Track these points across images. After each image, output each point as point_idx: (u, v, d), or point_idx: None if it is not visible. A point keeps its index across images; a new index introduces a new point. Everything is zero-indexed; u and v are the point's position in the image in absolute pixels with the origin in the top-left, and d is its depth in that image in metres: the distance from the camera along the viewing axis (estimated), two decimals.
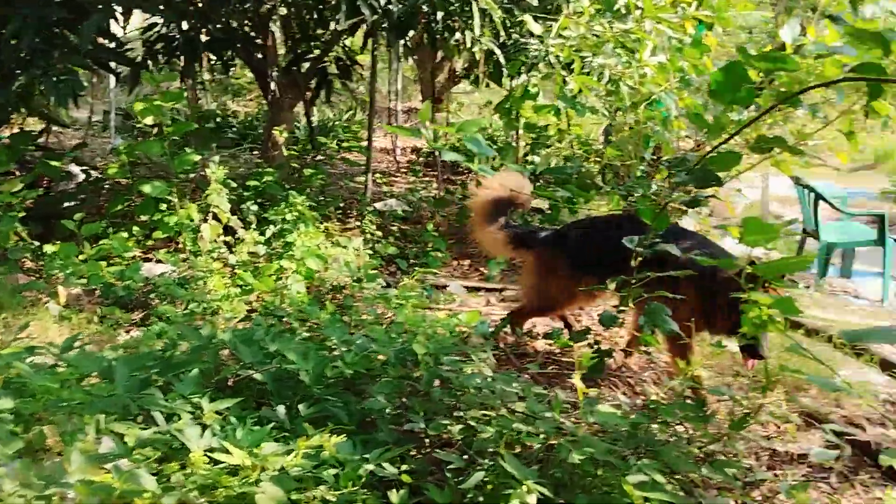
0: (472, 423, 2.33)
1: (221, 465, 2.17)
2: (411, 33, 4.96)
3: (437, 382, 2.79)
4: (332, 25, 5.15)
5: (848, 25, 2.73)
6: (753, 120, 2.88)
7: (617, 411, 2.41)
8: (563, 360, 4.10)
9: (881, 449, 3.45)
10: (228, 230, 4.93)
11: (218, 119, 9.19)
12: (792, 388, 4.11)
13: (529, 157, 6.26)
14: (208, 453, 2.22)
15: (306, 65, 6.49)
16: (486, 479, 2.11)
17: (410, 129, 2.82)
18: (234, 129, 10.63)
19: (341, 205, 6.39)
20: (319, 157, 7.78)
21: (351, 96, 8.70)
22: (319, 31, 5.65)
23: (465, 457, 2.29)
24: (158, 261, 4.83)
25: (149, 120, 4.61)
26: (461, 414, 2.49)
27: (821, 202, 6.51)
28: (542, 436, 2.26)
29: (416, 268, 5.69)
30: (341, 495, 2.10)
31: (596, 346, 3.79)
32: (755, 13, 10.97)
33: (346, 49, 5.60)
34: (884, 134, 15.09)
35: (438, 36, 4.91)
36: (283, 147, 5.98)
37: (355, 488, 2.17)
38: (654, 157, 5.86)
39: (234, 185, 5.61)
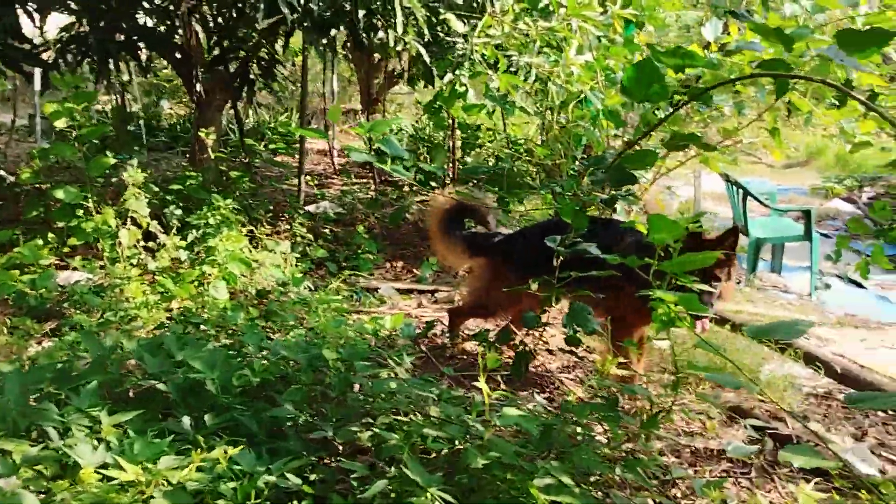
0: (379, 430, 2.26)
1: (114, 482, 2.07)
2: (333, 32, 4.88)
3: (357, 388, 2.73)
4: (256, 25, 5.02)
5: (752, 22, 2.74)
6: (666, 118, 2.87)
7: (525, 413, 2.36)
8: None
9: (801, 442, 3.49)
10: (149, 236, 4.78)
11: (141, 121, 8.93)
12: (716, 383, 4.13)
13: (460, 157, 6.22)
14: (101, 469, 2.12)
15: (235, 65, 6.36)
16: (389, 487, 2.05)
17: (317, 131, 2.74)
18: (164, 131, 10.41)
19: (271, 208, 6.26)
20: (255, 161, 7.65)
21: (278, 98, 8.53)
22: (244, 31, 5.52)
23: (373, 465, 2.23)
24: (75, 268, 4.66)
25: (61, 123, 4.44)
26: (371, 420, 2.43)
27: (749, 199, 6.60)
28: (449, 441, 2.20)
29: (346, 270, 5.62)
30: None
31: (520, 348, 3.77)
32: (691, 13, 11.14)
33: (269, 49, 5.48)
34: (816, 131, 15.49)
35: (363, 35, 4.82)
36: (209, 150, 5.83)
37: (257, 500, 2.10)
38: (585, 156, 5.87)
39: (156, 189, 5.47)
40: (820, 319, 5.81)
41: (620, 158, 2.99)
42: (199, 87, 6.27)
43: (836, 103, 5.64)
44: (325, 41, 4.99)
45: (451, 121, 6.92)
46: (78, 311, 4.10)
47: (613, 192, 3.20)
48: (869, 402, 1.94)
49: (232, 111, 7.31)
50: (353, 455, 2.52)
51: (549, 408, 2.88)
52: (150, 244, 4.76)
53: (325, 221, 6.58)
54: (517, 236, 4.35)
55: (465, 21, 4.87)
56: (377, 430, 2.26)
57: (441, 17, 4.73)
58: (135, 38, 5.15)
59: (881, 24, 4.23)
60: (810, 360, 4.32)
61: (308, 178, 9.05)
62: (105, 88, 6.79)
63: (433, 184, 6.34)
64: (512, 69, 5.16)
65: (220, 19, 5.32)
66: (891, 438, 3.75)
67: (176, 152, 9.97)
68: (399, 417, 2.46)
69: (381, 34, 4.80)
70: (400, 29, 4.51)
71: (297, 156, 9.43)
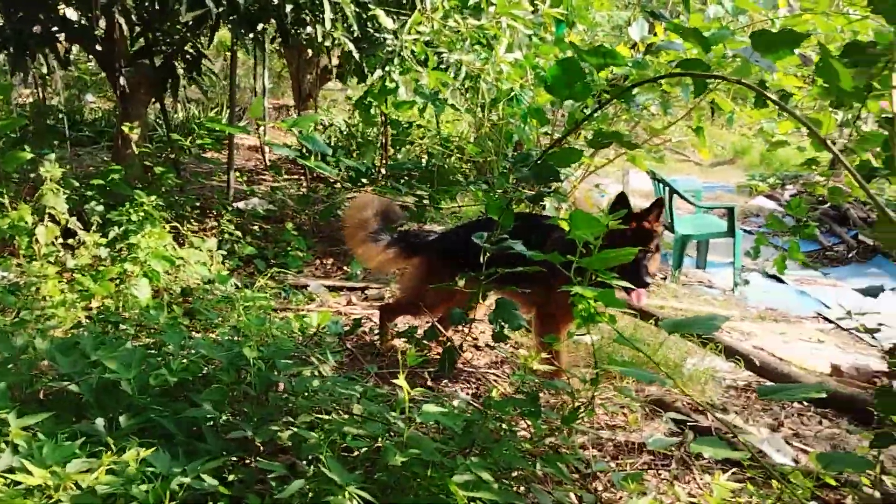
0: (299, 429, 2.23)
1: (20, 486, 2.01)
2: (260, 27, 4.80)
3: (280, 386, 2.69)
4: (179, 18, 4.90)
5: (671, 23, 2.79)
6: (589, 116, 2.90)
7: (447, 409, 2.36)
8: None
9: (720, 434, 3.57)
10: (69, 233, 4.64)
11: (63, 115, 8.66)
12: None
13: (391, 154, 6.19)
14: (8, 474, 2.05)
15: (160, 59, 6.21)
16: (307, 486, 2.02)
17: (241, 128, 2.70)
18: (88, 125, 10.13)
19: (198, 204, 6.15)
20: (183, 157, 7.48)
21: (206, 93, 8.37)
22: (168, 25, 5.39)
23: (293, 464, 2.20)
24: None
25: None
26: (291, 419, 2.40)
27: (676, 196, 6.73)
28: (368, 439, 2.18)
29: (276, 268, 5.55)
30: None
31: (447, 345, 3.78)
32: (622, 13, 11.30)
33: (194, 43, 5.35)
34: (744, 131, 15.89)
35: (290, 30, 4.76)
36: (133, 145, 5.69)
37: (172, 503, 2.05)
38: (516, 154, 5.92)
39: (76, 184, 5.32)
40: (742, 314, 5.97)
41: (545, 156, 3.01)
42: (122, 80, 6.11)
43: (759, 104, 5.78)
44: (252, 36, 4.90)
45: (382, 117, 6.91)
46: None
47: (540, 190, 3.21)
48: (780, 394, 1.99)
49: (158, 106, 7.14)
50: (275, 455, 2.48)
51: (473, 404, 2.88)
52: (71, 241, 4.62)
53: (254, 218, 6.50)
54: (451, 234, 4.37)
55: (395, 17, 4.85)
56: (297, 429, 2.23)
57: (370, 13, 4.70)
58: (54, 29, 4.98)
59: (797, 26, 4.36)
60: (731, 353, 4.43)
61: (238, 174, 8.91)
62: (23, 81, 6.56)
63: (364, 180, 6.30)
64: (442, 66, 5.16)
65: (143, 12, 5.17)
66: (805, 429, 3.87)
67: (101, 147, 9.71)
68: (321, 416, 2.44)
69: (309, 29, 4.74)
70: (328, 24, 4.46)
71: (226, 152, 9.30)
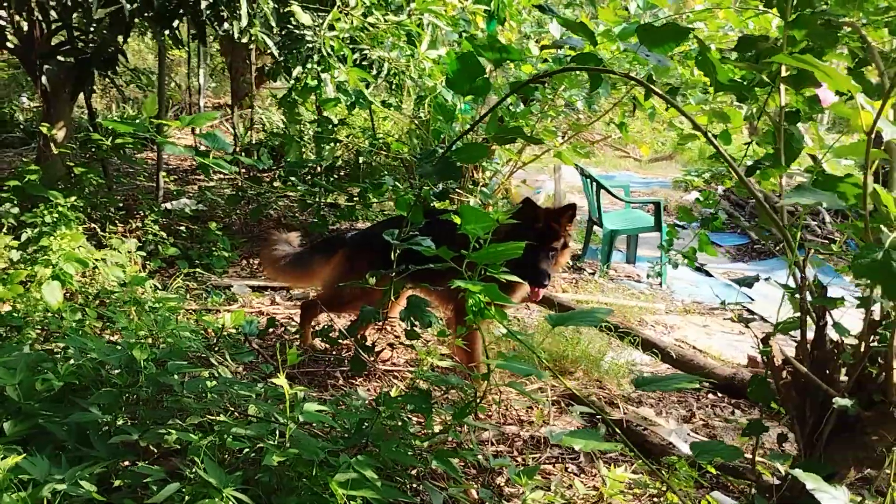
0: (178, 432, 2.20)
1: None
2: (176, 23, 4.72)
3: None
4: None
5: (560, 17, 2.81)
6: (488, 112, 2.90)
7: (329, 408, 2.35)
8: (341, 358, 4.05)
9: (632, 427, 3.62)
10: None
11: None
12: (557, 370, 4.24)
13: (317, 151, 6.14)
14: None
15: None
16: (184, 489, 1.99)
17: (132, 124, 2.64)
18: (19, 126, 9.91)
19: (120, 205, 6.03)
20: (111, 156, 7.33)
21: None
22: (89, 21, 5.26)
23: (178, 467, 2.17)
24: None
25: None
26: (180, 422, 2.36)
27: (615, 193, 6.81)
28: (253, 440, 2.16)
29: (199, 269, 5.48)
30: None
31: (361, 342, 3.76)
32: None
33: (108, 40, 5.24)
34: (685, 127, 16.13)
35: (207, 26, 4.69)
36: (52, 145, 5.56)
37: None
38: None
39: None
40: (668, 307, 6.05)
41: (449, 152, 3.01)
42: (43, 79, 5.97)
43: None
44: (167, 32, 4.82)
45: (318, 114, 6.86)
46: None
47: (446, 186, 3.21)
48: (654, 384, 2.02)
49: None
50: (166, 458, 2.45)
51: (368, 402, 2.86)
52: None
53: (181, 219, 6.40)
54: (369, 230, 4.36)
55: (315, 14, 4.81)
56: (177, 432, 2.19)
57: (287, 8, 4.65)
58: None
59: (706, 20, 4.43)
60: (648, 346, 4.49)
61: (171, 175, 8.79)
62: None
63: (293, 179, 6.24)
64: (364, 63, 5.14)
65: (57, 8, 5.04)
66: (716, 419, 3.94)
67: (31, 148, 9.51)
68: (213, 417, 2.41)
69: (226, 25, 4.68)
70: (244, 21, 4.40)
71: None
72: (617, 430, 2.17)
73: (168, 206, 6.90)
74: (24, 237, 4.53)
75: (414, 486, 2.47)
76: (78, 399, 2.49)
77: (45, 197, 4.91)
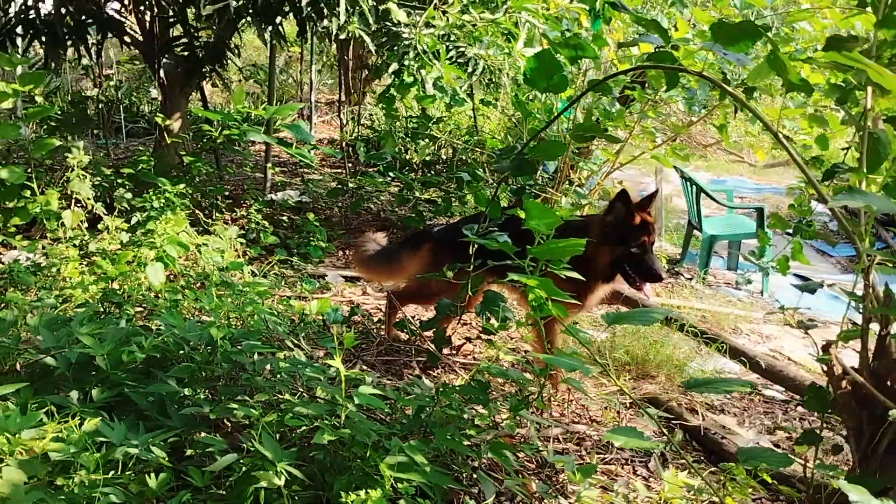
0: (240, 407, 2.31)
1: None
2: (279, 19, 4.90)
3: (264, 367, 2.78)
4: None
5: (633, 14, 2.77)
6: (564, 110, 2.90)
7: (382, 392, 2.41)
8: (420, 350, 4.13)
9: (709, 434, 3.54)
10: (99, 218, 4.84)
11: (103, 106, 8.98)
12: (637, 375, 4.19)
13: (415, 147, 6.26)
14: None
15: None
16: (242, 461, 2.10)
17: (220, 114, 2.78)
18: (143, 117, 10.49)
19: (227, 194, 6.30)
20: (225, 147, 7.68)
21: (226, 85, 8.56)
22: (198, 18, 5.55)
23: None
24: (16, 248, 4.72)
25: (7, 104, 4.48)
26: (248, 398, 2.48)
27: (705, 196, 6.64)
28: (312, 418, 2.25)
29: (297, 257, 5.68)
30: (96, 480, 2.06)
31: (439, 335, 3.82)
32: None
33: (215, 36, 5.49)
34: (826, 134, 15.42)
35: (307, 23, 4.84)
36: (166, 135, 5.88)
37: (128, 472, 2.16)
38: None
39: (107, 172, 5.54)
40: (766, 317, 5.85)
41: (525, 149, 3.03)
42: (161, 72, 6.32)
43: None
44: (271, 28, 5.02)
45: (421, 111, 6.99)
46: (14, 290, 4.15)
47: (523, 183, 3.23)
48: (703, 387, 1.98)
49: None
50: (236, 432, 2.57)
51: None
52: (100, 226, 4.81)
53: (284, 209, 6.63)
54: (455, 224, 4.42)
55: (411, 11, 4.90)
56: (241, 408, 2.30)
57: (384, 6, 4.76)
58: (85, 19, 5.17)
59: (809, 20, 4.27)
60: (736, 354, 4.36)
61: (280, 167, 9.11)
62: (57, 72, 6.80)
63: (391, 174, 6.38)
64: (460, 61, 5.20)
65: (171, 5, 5.34)
66: (801, 432, 3.79)
67: (153, 138, 10.04)
68: (281, 396, 2.52)
69: (325, 22, 4.83)
70: (343, 17, 4.53)
71: (275, 144, 9.54)
72: (682, 434, 2.15)
73: (273, 196, 7.17)
74: (133, 220, 4.82)
75: (469, 475, 2.51)
76: (160, 372, 2.64)
77: (156, 183, 5.21)
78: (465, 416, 2.50)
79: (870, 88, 2.47)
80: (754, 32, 2.35)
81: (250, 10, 4.71)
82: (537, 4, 4.79)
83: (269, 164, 7.04)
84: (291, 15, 4.88)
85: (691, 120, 6.32)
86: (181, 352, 2.86)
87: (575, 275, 2.45)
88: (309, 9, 4.60)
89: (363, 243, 4.53)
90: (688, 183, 6.67)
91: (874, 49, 2.53)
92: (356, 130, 9.47)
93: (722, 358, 4.48)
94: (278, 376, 2.66)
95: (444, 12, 4.81)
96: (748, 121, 11.27)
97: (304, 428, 2.28)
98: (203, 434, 2.28)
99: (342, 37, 4.89)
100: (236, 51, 7.06)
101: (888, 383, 1.84)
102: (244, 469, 2.09)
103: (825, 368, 1.97)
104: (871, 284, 1.92)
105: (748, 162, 14.21)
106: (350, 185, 6.83)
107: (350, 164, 8.46)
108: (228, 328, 2.74)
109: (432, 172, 6.57)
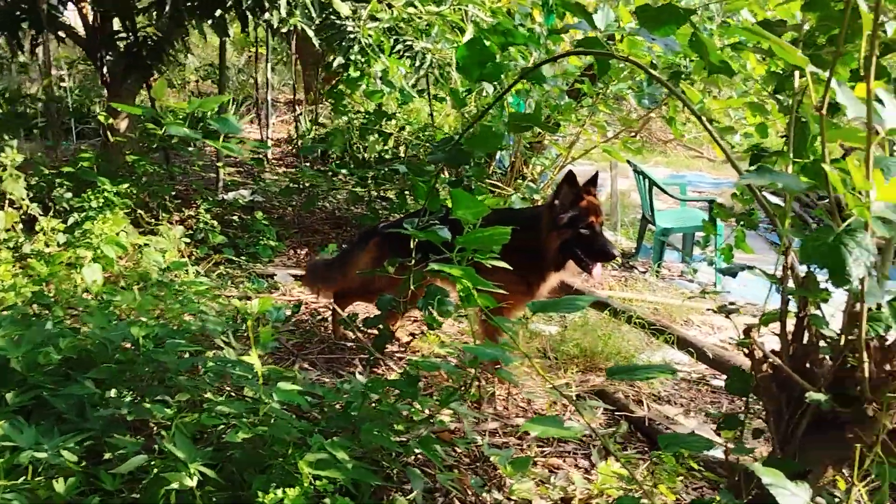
0: (152, 406, 2.23)
1: None
2: (218, 12, 4.80)
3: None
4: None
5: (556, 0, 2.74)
6: (496, 101, 2.86)
7: (304, 387, 2.34)
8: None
9: (653, 425, 3.52)
10: (33, 219, 4.72)
11: (39, 105, 8.79)
12: (586, 368, 4.15)
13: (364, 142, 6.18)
14: None
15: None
16: (153, 462, 2.02)
17: (141, 107, 2.70)
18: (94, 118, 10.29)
19: (174, 193, 6.19)
20: (176, 147, 7.54)
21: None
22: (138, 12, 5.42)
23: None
24: None
25: None
26: (168, 398, 2.40)
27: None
28: (229, 417, 2.18)
29: (246, 257, 5.59)
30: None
31: (383, 332, 3.75)
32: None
33: (154, 31, 5.38)
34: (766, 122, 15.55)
35: (248, 15, 4.74)
36: (108, 134, 5.75)
37: (38, 478, 2.07)
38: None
39: (46, 172, 5.40)
40: (718, 307, 5.84)
41: (461, 140, 2.97)
42: (105, 69, 6.18)
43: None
44: (210, 22, 4.91)
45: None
46: None
47: (461, 174, 3.18)
48: (622, 374, 1.94)
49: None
50: (161, 433, 2.49)
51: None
52: (37, 226, 4.68)
53: (235, 209, 6.52)
54: (402, 219, 4.35)
55: (355, 4, 4.82)
56: (154, 407, 2.22)
57: None
58: (18, 14, 5.02)
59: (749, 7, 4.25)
60: (684, 346, 4.35)
61: (237, 167, 8.99)
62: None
63: (344, 171, 6.30)
64: (407, 55, 5.13)
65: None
66: (749, 423, 3.78)
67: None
68: (204, 396, 2.44)
69: (267, 15, 4.73)
70: (284, 10, 4.45)
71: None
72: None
73: (225, 196, 7.06)
74: (70, 221, 4.70)
75: (399, 471, 2.45)
76: (79, 374, 2.55)
77: (96, 183, 5.08)
78: (401, 410, 2.44)
79: (797, 73, 2.45)
80: (678, 16, 2.31)
81: (188, 3, 4.61)
82: None
83: (221, 164, 6.92)
84: (233, 8, 4.78)
85: (642, 114, 6.31)
86: (107, 353, 2.77)
87: (503, 264, 2.39)
88: (249, 1, 4.51)
89: (311, 263, 4.48)
90: (640, 177, 6.66)
91: (802, 34, 2.52)
92: (312, 129, 9.37)
93: (671, 349, 4.47)
94: (206, 375, 2.58)
95: (390, 5, 4.74)
96: (709, 112, 11.32)
97: (221, 427, 2.20)
98: (116, 436, 2.19)
99: (284, 30, 4.81)
100: (184, 48, 6.94)
101: (807, 365, 1.81)
102: (155, 471, 2.01)
103: (745, 352, 1.94)
104: (790, 266, 1.89)
105: (707, 157, 14.29)
106: (305, 183, 6.74)
107: (307, 164, 8.36)
108: (153, 327, 2.64)
109: (386, 169, 6.50)
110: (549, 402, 3.58)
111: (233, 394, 2.64)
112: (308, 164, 8.28)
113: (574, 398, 3.77)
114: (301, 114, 9.18)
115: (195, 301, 3.56)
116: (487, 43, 2.80)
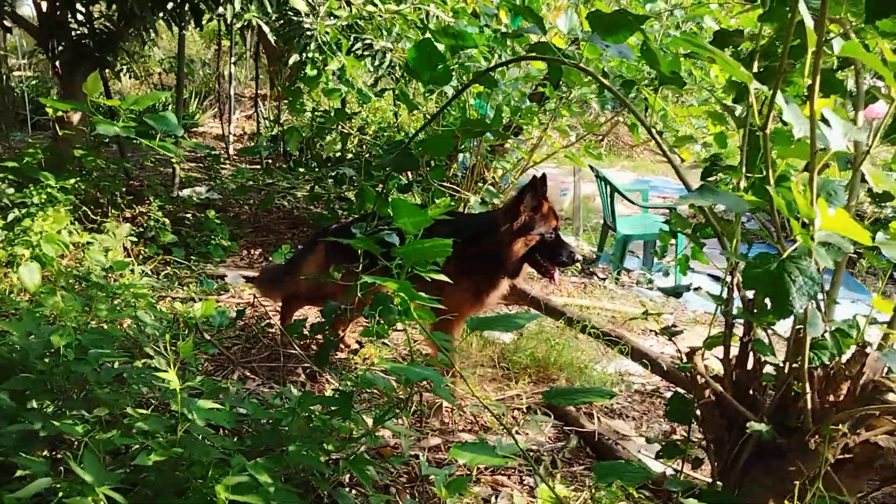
0: (62, 424, 2.10)
1: None
2: (170, 5, 4.64)
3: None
4: None
5: (510, 2, 2.65)
6: (447, 104, 2.75)
7: (224, 405, 2.22)
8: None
9: (603, 440, 3.43)
10: None
11: None
12: (539, 378, 4.07)
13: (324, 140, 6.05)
14: None
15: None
16: (58, 484, 1.89)
17: (70, 103, 2.56)
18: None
19: (125, 189, 6.01)
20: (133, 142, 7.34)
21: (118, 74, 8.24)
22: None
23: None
24: None
25: None
26: (86, 414, 2.27)
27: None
28: (146, 435, 2.05)
29: (197, 257, 5.44)
30: None
31: (325, 339, 3.64)
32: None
33: (108, 21, 5.21)
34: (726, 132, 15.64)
35: (201, 8, 4.58)
36: (56, 127, 5.56)
37: None
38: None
39: None
40: (678, 317, 5.80)
41: (410, 143, 2.87)
42: (57, 61, 5.99)
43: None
44: (162, 14, 4.75)
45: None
46: None
47: (411, 179, 3.06)
48: (560, 398, 1.85)
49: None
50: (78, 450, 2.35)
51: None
52: None
53: (189, 206, 6.36)
54: (352, 221, 4.24)
55: (312, 1, 4.69)
56: (62, 424, 2.09)
57: None
58: None
59: (700, 17, 4.21)
60: (638, 356, 4.28)
61: (198, 163, 8.80)
62: None
63: (301, 170, 6.16)
64: (367, 53, 5.01)
65: None
66: (699, 435, 3.72)
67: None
68: (125, 410, 2.31)
69: (220, 10, 4.58)
70: (238, 4, 4.30)
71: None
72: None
73: (184, 193, 6.89)
74: (10, 217, 4.52)
75: (329, 492, 2.34)
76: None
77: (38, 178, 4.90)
78: (335, 427, 2.33)
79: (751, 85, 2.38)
80: (629, 23, 2.23)
81: None
82: None
83: (176, 160, 6.74)
84: (186, 2, 4.61)
85: (604, 119, 6.25)
86: (28, 361, 2.62)
87: (443, 277, 2.28)
88: None
89: (263, 271, 4.35)
90: (602, 182, 6.60)
91: (760, 44, 2.45)
92: (274, 127, 9.21)
93: (625, 360, 4.39)
94: (132, 388, 2.45)
95: (349, 3, 4.61)
96: (671, 120, 11.35)
97: (136, 447, 2.07)
98: (22, 455, 2.05)
99: (238, 25, 4.67)
100: (142, 40, 6.76)
101: (750, 391, 1.72)
102: (60, 495, 1.87)
103: (687, 377, 1.85)
104: (735, 288, 1.80)
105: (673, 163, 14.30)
106: (262, 181, 6.59)
107: (269, 161, 8.19)
108: (76, 335, 2.50)
109: (341, 170, 6.38)
110: (494, 415, 3.48)
111: (159, 408, 2.51)
112: (269, 162, 8.12)
113: (524, 410, 3.70)
114: (262, 110, 9.00)
115: (132, 304, 3.42)
116: (439, 45, 2.71)
